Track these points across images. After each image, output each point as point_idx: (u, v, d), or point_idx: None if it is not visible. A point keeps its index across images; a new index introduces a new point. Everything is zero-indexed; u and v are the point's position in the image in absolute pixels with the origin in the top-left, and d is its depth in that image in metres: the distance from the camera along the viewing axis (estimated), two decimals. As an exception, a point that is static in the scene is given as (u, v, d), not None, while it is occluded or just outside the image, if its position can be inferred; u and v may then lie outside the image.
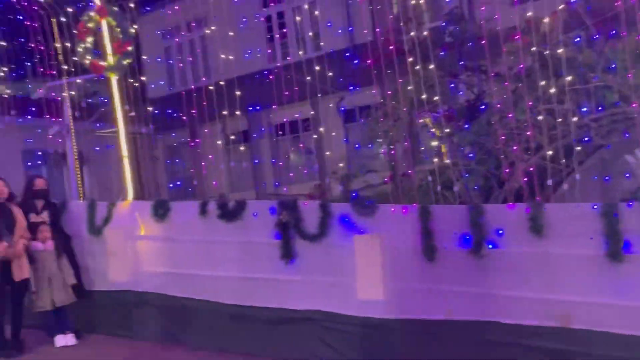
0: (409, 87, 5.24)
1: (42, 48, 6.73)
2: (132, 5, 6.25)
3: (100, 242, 6.13)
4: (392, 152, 6.30)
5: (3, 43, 7.02)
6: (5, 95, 8.80)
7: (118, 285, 6.00)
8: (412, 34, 5.18)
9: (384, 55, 5.20)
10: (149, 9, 10.41)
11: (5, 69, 7.15)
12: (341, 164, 8.73)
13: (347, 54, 9.95)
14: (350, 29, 11.93)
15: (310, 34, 13.45)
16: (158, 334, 5.83)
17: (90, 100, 8.06)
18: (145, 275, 5.90)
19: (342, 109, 10.47)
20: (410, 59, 5.09)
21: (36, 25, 6.64)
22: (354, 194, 5.19)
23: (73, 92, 6.96)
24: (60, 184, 11.06)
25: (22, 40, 6.96)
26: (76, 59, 6.44)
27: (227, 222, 5.35)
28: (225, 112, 9.40)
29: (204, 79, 12.89)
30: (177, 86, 15.29)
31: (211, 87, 6.93)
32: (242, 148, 14.73)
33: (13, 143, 10.24)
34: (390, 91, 5.62)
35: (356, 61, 8.15)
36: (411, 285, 4.54)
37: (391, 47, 5.36)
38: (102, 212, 6.17)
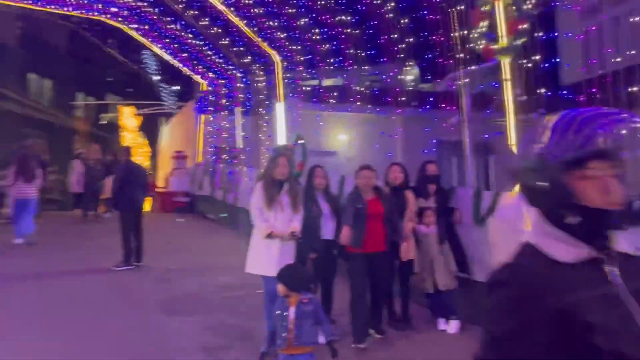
0: None
1: (441, 40, 6.95)
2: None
3: (483, 232, 5.96)
4: None
5: (411, 40, 7.59)
6: (409, 88, 9.62)
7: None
8: None
9: None
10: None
11: (411, 63, 7.77)
12: None
13: None
14: None
15: None
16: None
17: (482, 87, 7.94)
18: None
19: None
20: None
21: (437, 17, 6.91)
22: None
23: (467, 80, 6.93)
24: (460, 171, 11.46)
25: (425, 34, 7.36)
26: (471, 46, 6.38)
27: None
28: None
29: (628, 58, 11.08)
30: (595, 69, 13.71)
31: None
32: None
33: (414, 132, 11.15)
34: None
35: None
36: None
37: None
38: (488, 202, 5.98)
